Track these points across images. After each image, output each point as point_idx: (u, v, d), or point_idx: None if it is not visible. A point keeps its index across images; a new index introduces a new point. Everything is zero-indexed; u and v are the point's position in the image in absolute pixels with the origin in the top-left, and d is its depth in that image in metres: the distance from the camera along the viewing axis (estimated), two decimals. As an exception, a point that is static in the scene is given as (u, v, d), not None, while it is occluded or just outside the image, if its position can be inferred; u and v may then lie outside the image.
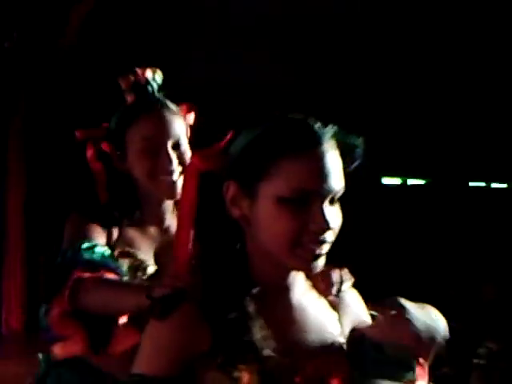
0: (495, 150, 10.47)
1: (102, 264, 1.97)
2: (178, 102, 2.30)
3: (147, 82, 2.14)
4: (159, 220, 2.26)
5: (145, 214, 2.25)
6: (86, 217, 2.11)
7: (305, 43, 9.37)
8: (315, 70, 9.39)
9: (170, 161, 2.11)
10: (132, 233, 2.20)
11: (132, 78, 2.12)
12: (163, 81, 2.34)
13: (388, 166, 10.16)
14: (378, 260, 9.63)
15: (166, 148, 2.12)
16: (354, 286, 1.86)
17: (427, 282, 9.19)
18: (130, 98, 2.15)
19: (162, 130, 2.14)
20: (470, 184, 10.71)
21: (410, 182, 10.48)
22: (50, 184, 8.47)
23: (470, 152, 10.34)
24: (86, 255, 1.96)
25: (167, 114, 2.16)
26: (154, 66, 2.33)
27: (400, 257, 9.81)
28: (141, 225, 2.23)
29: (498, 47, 9.62)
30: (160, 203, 2.24)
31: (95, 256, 1.98)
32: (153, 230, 2.24)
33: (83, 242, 2.00)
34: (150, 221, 2.25)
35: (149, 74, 2.16)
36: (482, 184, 10.77)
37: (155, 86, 2.21)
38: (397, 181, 10.35)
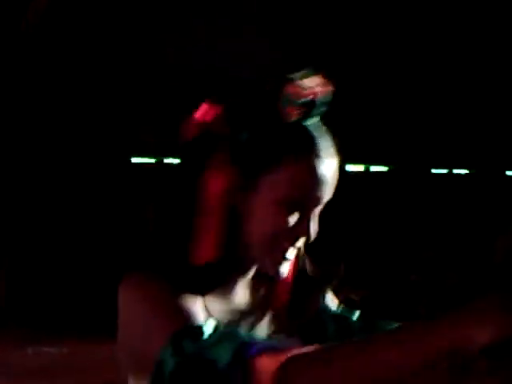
0: (456, 136, 10.60)
1: (271, 345, 1.21)
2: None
3: (323, 102, 1.39)
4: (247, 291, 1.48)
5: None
6: (175, 284, 1.33)
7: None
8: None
9: (308, 231, 1.40)
10: (216, 305, 1.42)
11: (300, 87, 1.37)
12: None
13: (351, 153, 10.17)
14: (342, 246, 9.69)
15: (312, 213, 1.39)
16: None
17: (390, 267, 9.29)
18: (288, 112, 1.35)
19: (321, 186, 1.38)
20: (433, 171, 10.83)
21: (373, 168, 10.54)
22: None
23: (431, 139, 10.45)
24: (236, 339, 1.21)
25: (333, 163, 1.42)
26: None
27: (364, 242, 9.91)
28: (223, 294, 1.44)
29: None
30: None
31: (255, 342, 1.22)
32: (238, 301, 1.46)
33: (194, 326, 1.25)
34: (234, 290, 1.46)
35: (330, 91, 1.41)
36: (444, 171, 10.89)
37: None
38: (360, 168, 10.41)
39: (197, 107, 1.54)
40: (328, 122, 1.53)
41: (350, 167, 10.31)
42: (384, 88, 10.08)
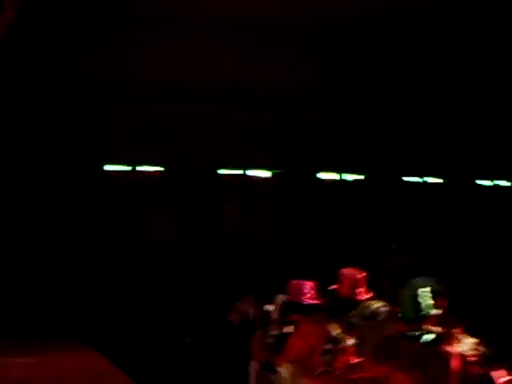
0: (429, 146, 10.67)
1: None
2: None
3: None
4: None
5: None
6: None
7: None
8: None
9: None
10: None
11: None
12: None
13: (325, 161, 10.26)
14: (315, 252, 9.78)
15: None
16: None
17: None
18: None
19: None
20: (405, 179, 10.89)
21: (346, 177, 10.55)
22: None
23: (404, 148, 10.51)
24: None
25: None
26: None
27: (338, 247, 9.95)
28: None
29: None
30: None
31: None
32: None
33: None
34: None
35: None
36: (417, 179, 10.97)
37: None
38: (334, 176, 10.42)
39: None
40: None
41: (323, 175, 10.33)
42: (359, 99, 10.12)
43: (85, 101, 9.05)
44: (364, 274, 4.80)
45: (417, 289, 4.29)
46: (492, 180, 11.46)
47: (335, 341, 4.28)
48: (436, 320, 4.12)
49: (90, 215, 9.12)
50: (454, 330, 3.88)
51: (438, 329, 4.04)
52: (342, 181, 10.49)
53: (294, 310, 4.87)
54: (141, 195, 9.41)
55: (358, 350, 4.25)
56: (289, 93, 9.56)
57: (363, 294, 4.73)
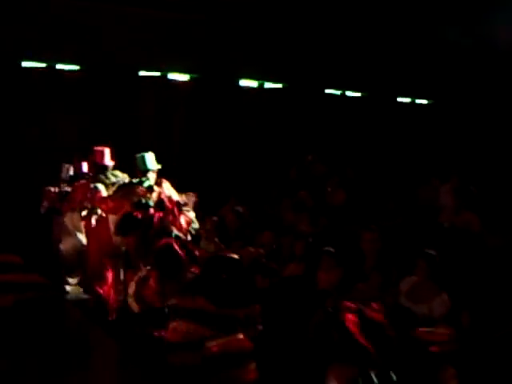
0: (351, 60, 10.72)
1: None
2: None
3: None
4: None
5: None
6: None
7: None
8: None
9: None
10: None
11: None
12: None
13: (245, 68, 10.23)
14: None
15: None
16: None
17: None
18: None
19: None
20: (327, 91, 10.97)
21: (268, 85, 10.55)
22: None
23: (326, 60, 10.54)
24: None
25: None
26: None
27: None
28: None
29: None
30: None
31: None
32: None
33: None
34: None
35: None
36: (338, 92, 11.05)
37: None
38: (254, 83, 10.40)
39: None
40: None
41: (244, 82, 10.32)
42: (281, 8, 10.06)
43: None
44: (108, 148, 7.07)
45: (147, 152, 6.50)
46: (412, 98, 11.65)
47: (93, 189, 6.66)
48: (157, 173, 6.46)
49: (8, 111, 8.96)
50: (162, 179, 6.40)
51: (155, 179, 6.43)
52: (262, 89, 10.49)
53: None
54: (59, 94, 9.26)
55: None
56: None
57: (109, 162, 7.05)
